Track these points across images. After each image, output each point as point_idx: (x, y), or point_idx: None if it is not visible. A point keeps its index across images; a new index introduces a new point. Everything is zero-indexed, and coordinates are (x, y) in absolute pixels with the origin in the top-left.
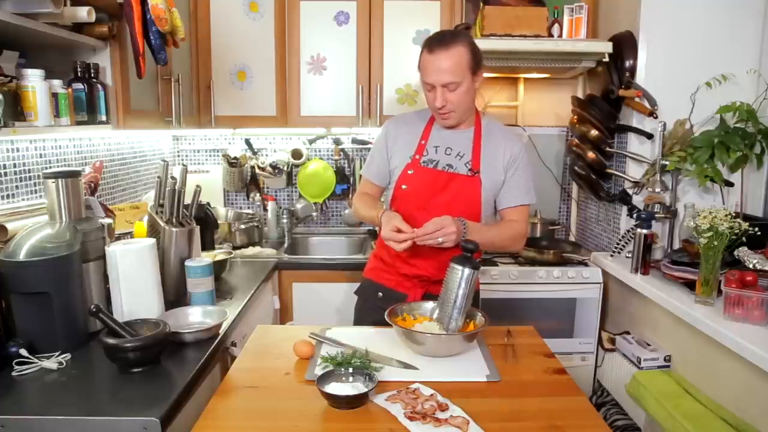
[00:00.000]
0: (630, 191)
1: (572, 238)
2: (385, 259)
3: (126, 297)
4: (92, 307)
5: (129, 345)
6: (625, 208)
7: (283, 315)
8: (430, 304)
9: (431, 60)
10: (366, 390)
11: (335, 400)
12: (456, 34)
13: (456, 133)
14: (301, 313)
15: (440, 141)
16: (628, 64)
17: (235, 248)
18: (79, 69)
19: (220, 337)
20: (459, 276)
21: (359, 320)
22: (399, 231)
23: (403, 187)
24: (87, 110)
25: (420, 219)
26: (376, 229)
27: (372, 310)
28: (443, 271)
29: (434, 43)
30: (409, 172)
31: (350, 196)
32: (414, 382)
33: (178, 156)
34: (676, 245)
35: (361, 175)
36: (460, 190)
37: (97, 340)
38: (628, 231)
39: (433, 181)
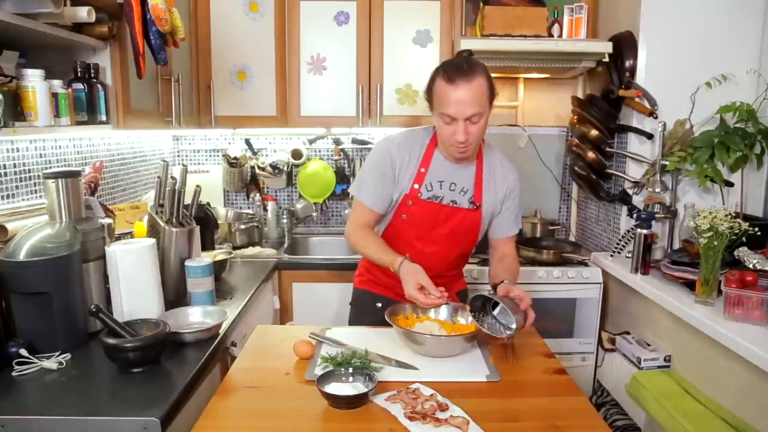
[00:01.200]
0: (630, 191)
1: (572, 238)
2: (379, 276)
3: (126, 297)
4: (92, 307)
5: (129, 345)
6: (625, 208)
7: (283, 315)
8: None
9: (452, 91)
10: (366, 390)
11: (335, 400)
12: (473, 64)
13: (460, 168)
14: (301, 313)
15: (445, 175)
16: (628, 64)
17: (235, 248)
18: (79, 69)
19: (220, 337)
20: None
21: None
22: (422, 288)
23: (404, 216)
24: (87, 110)
25: (419, 248)
26: None
27: (371, 317)
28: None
29: (455, 73)
30: (409, 203)
31: (350, 196)
32: (414, 382)
33: (178, 156)
34: (676, 245)
35: (352, 198)
36: (461, 222)
37: (97, 340)
38: (628, 231)
39: (435, 215)
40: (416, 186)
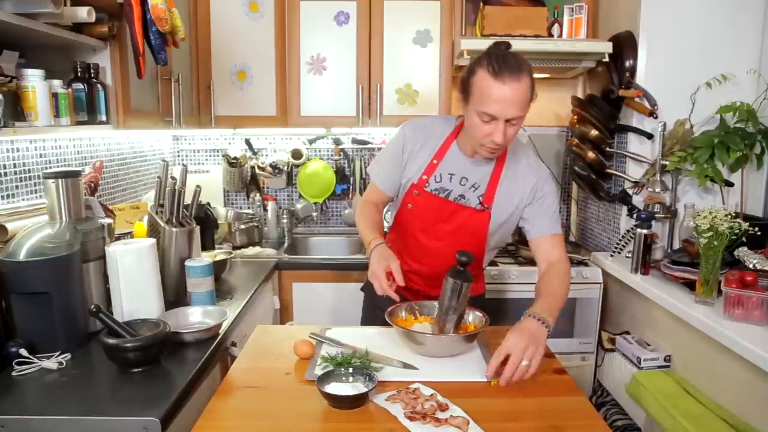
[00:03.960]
0: (630, 191)
1: (572, 238)
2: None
3: (126, 297)
4: (92, 307)
5: (129, 345)
6: (625, 208)
7: (283, 315)
8: (432, 304)
9: (499, 89)
10: (366, 390)
11: (335, 400)
12: (521, 60)
13: (476, 163)
14: (301, 313)
15: (457, 169)
16: (628, 64)
17: (235, 248)
18: (79, 69)
19: (220, 337)
20: (449, 287)
21: (367, 317)
22: (390, 275)
23: (409, 206)
24: (87, 110)
25: (423, 241)
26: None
27: (381, 309)
28: (439, 286)
29: (503, 68)
30: (414, 192)
31: (350, 196)
32: (414, 382)
33: (178, 156)
34: (676, 245)
35: (363, 177)
36: (467, 222)
37: (97, 340)
38: (628, 231)
39: (439, 209)
40: (425, 177)
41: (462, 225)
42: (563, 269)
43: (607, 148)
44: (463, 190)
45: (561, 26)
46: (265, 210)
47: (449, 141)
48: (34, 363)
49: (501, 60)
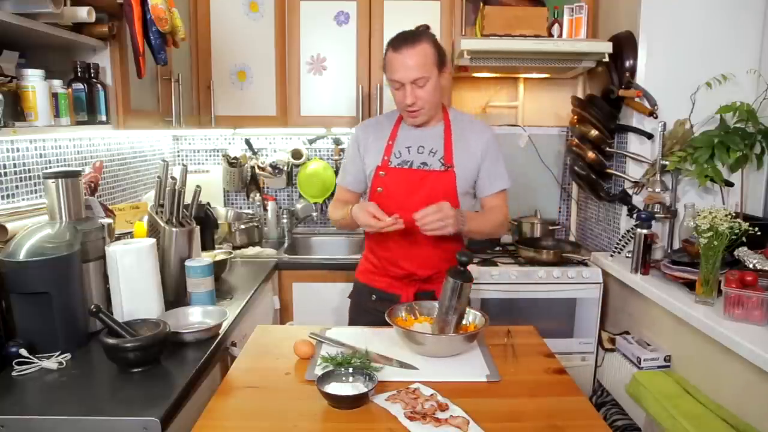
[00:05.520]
0: (630, 191)
1: (572, 238)
2: (374, 262)
3: (126, 297)
4: (92, 307)
5: (129, 345)
6: (625, 208)
7: (283, 315)
8: (431, 304)
9: (398, 58)
10: (366, 390)
11: (335, 400)
12: (419, 33)
13: (426, 131)
14: (301, 313)
15: (411, 141)
16: (628, 64)
17: (235, 248)
18: (79, 69)
19: (220, 337)
20: (449, 287)
21: (354, 322)
22: (375, 217)
23: (379, 189)
24: (87, 110)
25: (400, 218)
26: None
27: (367, 312)
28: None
29: (399, 42)
30: (381, 174)
31: None
32: (414, 382)
33: (178, 156)
34: (676, 245)
35: (336, 186)
36: (435, 185)
37: (97, 340)
38: (628, 231)
39: (407, 180)
40: (386, 157)
41: (432, 190)
42: (499, 212)
43: (607, 148)
44: (424, 158)
45: (561, 26)
46: (265, 210)
47: (397, 123)
48: (34, 363)
49: (400, 37)
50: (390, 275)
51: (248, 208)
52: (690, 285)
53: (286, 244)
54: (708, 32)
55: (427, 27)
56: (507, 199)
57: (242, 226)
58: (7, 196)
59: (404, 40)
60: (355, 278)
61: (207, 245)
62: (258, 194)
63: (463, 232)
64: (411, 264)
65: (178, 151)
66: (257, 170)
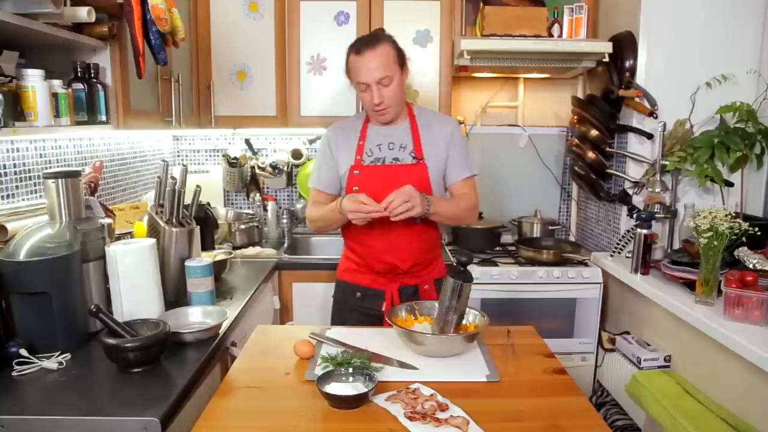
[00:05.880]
0: (630, 191)
1: (572, 238)
2: (355, 260)
3: (126, 297)
4: (92, 307)
5: (129, 345)
6: (625, 208)
7: (283, 315)
8: (432, 304)
9: (361, 61)
10: (366, 390)
11: (335, 400)
12: (378, 35)
13: (394, 128)
14: (301, 313)
15: (381, 138)
16: (628, 64)
17: (235, 248)
18: (79, 69)
19: (220, 337)
20: (449, 287)
21: (338, 323)
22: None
23: (355, 188)
24: (87, 110)
25: (380, 219)
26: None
27: (353, 311)
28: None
29: (360, 45)
30: (356, 173)
31: None
32: (414, 382)
33: (178, 156)
34: (676, 245)
35: (310, 189)
36: (409, 178)
37: (97, 340)
38: (628, 231)
39: (381, 177)
40: (358, 157)
41: (406, 183)
42: (466, 198)
43: (607, 148)
44: (395, 153)
45: (561, 26)
46: (265, 210)
47: (366, 123)
48: (34, 363)
49: (360, 41)
50: (373, 271)
51: (248, 208)
52: (690, 285)
53: (286, 244)
54: (708, 32)
55: (382, 30)
56: (475, 187)
57: (242, 226)
58: (7, 196)
59: (365, 43)
60: (337, 279)
61: (207, 245)
62: (258, 194)
63: (429, 214)
64: (392, 256)
65: (178, 151)
66: (257, 170)
